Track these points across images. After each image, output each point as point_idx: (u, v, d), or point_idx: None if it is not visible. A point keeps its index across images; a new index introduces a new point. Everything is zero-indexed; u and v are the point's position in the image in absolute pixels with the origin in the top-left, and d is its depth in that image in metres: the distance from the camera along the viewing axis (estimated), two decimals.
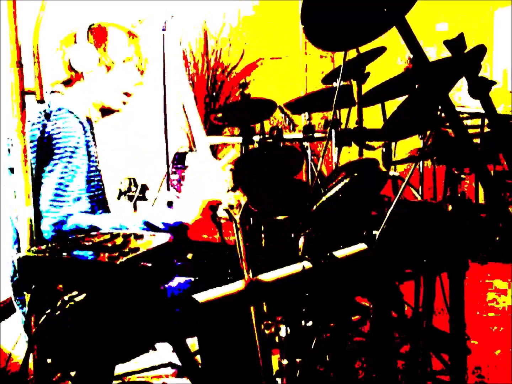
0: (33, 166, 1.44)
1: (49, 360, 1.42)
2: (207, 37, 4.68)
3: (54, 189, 1.46)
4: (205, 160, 1.59)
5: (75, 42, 1.64)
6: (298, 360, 1.38)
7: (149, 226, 1.51)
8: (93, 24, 1.67)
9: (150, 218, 1.53)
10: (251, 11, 4.93)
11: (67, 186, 1.49)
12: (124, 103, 1.74)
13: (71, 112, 1.58)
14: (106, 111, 1.74)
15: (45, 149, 1.47)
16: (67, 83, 1.67)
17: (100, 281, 1.07)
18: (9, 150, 1.47)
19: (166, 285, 1.56)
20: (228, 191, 1.29)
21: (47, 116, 1.49)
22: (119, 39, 1.69)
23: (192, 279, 1.62)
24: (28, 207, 1.26)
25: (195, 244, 1.78)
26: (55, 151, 1.48)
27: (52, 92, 1.66)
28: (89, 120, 1.69)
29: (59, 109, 1.54)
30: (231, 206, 1.25)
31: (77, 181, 1.51)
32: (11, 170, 1.53)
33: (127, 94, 1.73)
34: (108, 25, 1.69)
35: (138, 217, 1.55)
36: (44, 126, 1.48)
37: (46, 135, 1.48)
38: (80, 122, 1.60)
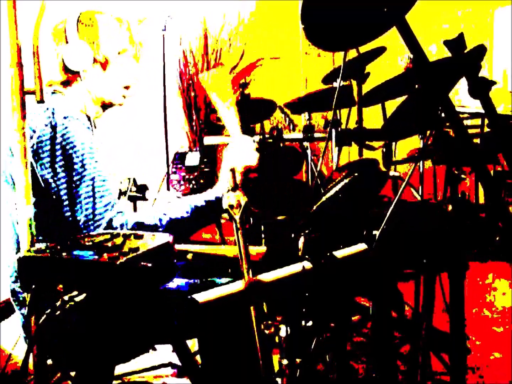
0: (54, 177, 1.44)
1: (49, 360, 1.42)
2: (207, 37, 4.68)
3: (86, 199, 1.45)
4: (238, 136, 1.62)
5: (66, 40, 1.60)
6: (298, 360, 1.38)
7: (197, 210, 1.54)
8: (79, 16, 1.61)
9: (194, 201, 1.56)
10: (251, 11, 4.93)
11: (99, 194, 1.47)
12: (124, 96, 1.71)
13: (78, 119, 1.52)
14: (107, 106, 1.72)
15: (56, 159, 1.45)
16: (66, 83, 1.64)
17: (100, 281, 1.07)
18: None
19: (166, 287, 1.56)
20: (228, 191, 1.28)
21: (54, 128, 1.46)
22: (110, 29, 1.64)
23: (192, 281, 1.62)
24: (28, 207, 1.26)
25: (195, 244, 1.77)
26: (73, 163, 1.45)
27: (53, 92, 1.63)
28: (89, 119, 1.67)
29: (65, 118, 1.49)
30: (231, 206, 1.25)
31: (104, 188, 1.49)
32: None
33: (127, 87, 1.70)
34: (95, 14, 1.63)
35: (184, 203, 1.56)
36: (54, 138, 1.45)
37: (57, 146, 1.45)
38: (88, 128, 1.55)
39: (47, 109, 1.49)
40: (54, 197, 1.46)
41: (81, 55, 1.59)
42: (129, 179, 2.52)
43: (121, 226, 1.47)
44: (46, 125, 1.46)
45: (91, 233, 1.41)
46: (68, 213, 1.45)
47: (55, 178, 1.45)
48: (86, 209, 1.45)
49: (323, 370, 1.49)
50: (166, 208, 1.54)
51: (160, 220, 1.50)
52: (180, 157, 3.88)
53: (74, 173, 1.45)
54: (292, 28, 4.48)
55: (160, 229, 1.49)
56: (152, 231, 1.47)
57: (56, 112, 1.48)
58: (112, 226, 1.45)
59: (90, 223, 1.44)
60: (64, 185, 1.45)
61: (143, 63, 1.75)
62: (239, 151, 1.59)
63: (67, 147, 1.45)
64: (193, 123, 4.59)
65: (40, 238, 1.38)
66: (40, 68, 1.27)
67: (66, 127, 1.46)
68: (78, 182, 1.45)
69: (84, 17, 1.62)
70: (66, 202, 1.45)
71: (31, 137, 1.45)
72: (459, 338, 1.63)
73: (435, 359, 2.05)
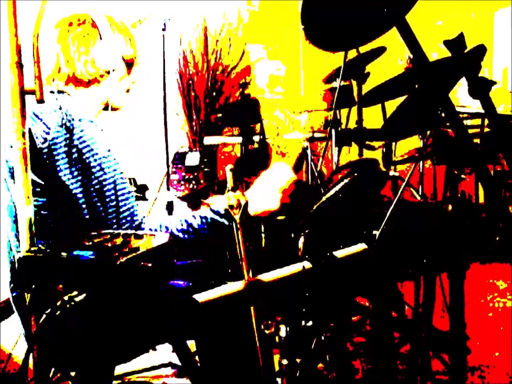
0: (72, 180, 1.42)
1: (49, 360, 1.42)
2: (207, 37, 4.68)
3: (109, 201, 1.44)
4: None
5: (100, 37, 1.55)
6: (298, 360, 1.38)
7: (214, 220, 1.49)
8: (107, 16, 1.58)
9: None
10: (251, 11, 4.93)
11: (127, 195, 1.47)
12: (124, 99, 1.71)
13: (92, 122, 1.48)
14: (107, 108, 1.72)
15: (73, 162, 1.42)
16: (86, 83, 1.59)
17: (100, 281, 1.07)
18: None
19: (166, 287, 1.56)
20: (228, 191, 1.28)
21: (69, 130, 1.42)
22: (120, 37, 1.62)
23: (191, 283, 1.61)
24: (28, 207, 1.26)
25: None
26: (91, 166, 1.42)
27: (59, 92, 1.59)
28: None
29: (80, 120, 1.45)
30: (231, 206, 1.25)
31: (126, 191, 1.48)
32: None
33: (127, 90, 1.70)
34: (105, 20, 1.59)
35: (205, 211, 1.52)
36: (70, 140, 1.42)
37: (74, 149, 1.42)
38: (101, 130, 1.52)
39: (60, 108, 1.46)
40: (68, 198, 1.43)
41: (113, 53, 1.57)
42: (129, 179, 2.51)
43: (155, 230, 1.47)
44: (60, 126, 1.43)
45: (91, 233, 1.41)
46: (87, 217, 1.43)
47: (72, 181, 1.42)
48: (110, 214, 1.43)
49: (323, 370, 1.49)
50: (185, 215, 1.52)
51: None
52: (180, 157, 3.88)
53: (92, 177, 1.42)
54: (292, 28, 4.49)
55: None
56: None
57: (69, 114, 1.45)
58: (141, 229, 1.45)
59: (114, 227, 1.43)
60: (80, 189, 1.42)
61: (145, 68, 1.75)
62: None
63: (84, 150, 1.42)
64: (193, 123, 4.59)
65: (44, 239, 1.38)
66: (40, 68, 1.27)
67: (82, 130, 1.43)
68: (97, 186, 1.42)
69: (110, 18, 1.60)
70: (84, 206, 1.42)
71: (47, 135, 1.42)
72: (459, 338, 1.63)
73: (435, 359, 2.05)
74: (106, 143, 1.47)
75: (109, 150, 1.46)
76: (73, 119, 1.44)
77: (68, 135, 1.42)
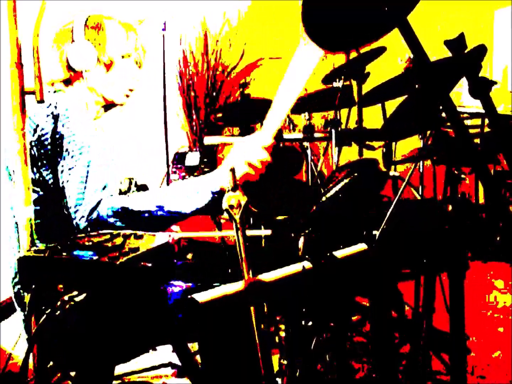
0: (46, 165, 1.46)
1: (49, 360, 1.42)
2: (207, 37, 4.68)
3: (79, 183, 1.45)
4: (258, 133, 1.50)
5: (72, 39, 1.62)
6: (298, 360, 1.38)
7: (195, 199, 1.47)
8: (88, 19, 1.64)
9: (196, 186, 1.48)
10: (251, 10, 4.93)
11: (92, 178, 1.47)
12: (127, 96, 1.72)
13: (80, 110, 1.56)
14: (108, 106, 1.73)
15: (57, 148, 1.46)
16: (67, 82, 1.66)
17: (100, 281, 1.07)
18: None
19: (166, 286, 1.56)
20: (228, 191, 1.28)
21: (56, 118, 1.48)
22: (117, 34, 1.67)
23: (191, 284, 1.61)
24: (27, 207, 1.26)
25: (195, 244, 1.77)
26: (71, 149, 1.47)
27: (55, 91, 1.65)
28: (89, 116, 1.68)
29: (67, 109, 1.51)
30: (231, 206, 1.25)
31: (98, 173, 1.48)
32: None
33: (129, 89, 1.72)
34: (103, 19, 1.66)
35: (178, 190, 1.49)
36: (55, 128, 1.47)
37: (57, 136, 1.47)
38: (88, 119, 1.59)
39: (50, 104, 1.51)
40: (54, 190, 1.47)
41: (85, 55, 1.62)
42: (129, 179, 2.51)
43: (108, 209, 1.43)
44: (48, 116, 1.48)
45: (81, 221, 1.41)
46: (65, 200, 1.45)
47: (57, 168, 1.46)
48: (78, 193, 1.44)
49: (323, 370, 1.49)
50: (160, 198, 1.49)
51: (155, 210, 1.46)
52: (180, 157, 3.88)
53: (71, 158, 1.46)
54: (292, 28, 4.49)
55: (152, 220, 1.46)
56: (142, 219, 1.45)
57: (58, 105, 1.51)
58: (100, 209, 1.43)
59: (79, 204, 1.43)
60: (62, 173, 1.46)
61: (145, 68, 1.76)
62: (250, 147, 1.49)
63: (67, 135, 1.47)
64: (193, 123, 4.60)
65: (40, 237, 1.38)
66: (40, 68, 1.27)
67: (67, 117, 1.49)
68: (72, 167, 1.46)
69: (92, 20, 1.65)
70: (64, 191, 1.45)
71: (35, 131, 1.47)
72: (459, 338, 1.63)
73: (435, 359, 2.05)
74: (91, 129, 1.52)
75: (92, 136, 1.50)
76: (60, 109, 1.49)
77: (54, 124, 1.47)
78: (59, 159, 1.47)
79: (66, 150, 1.47)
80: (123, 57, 1.68)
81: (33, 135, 1.48)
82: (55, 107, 1.50)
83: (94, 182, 1.46)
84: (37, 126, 1.48)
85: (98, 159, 1.50)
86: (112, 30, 1.66)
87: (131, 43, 1.69)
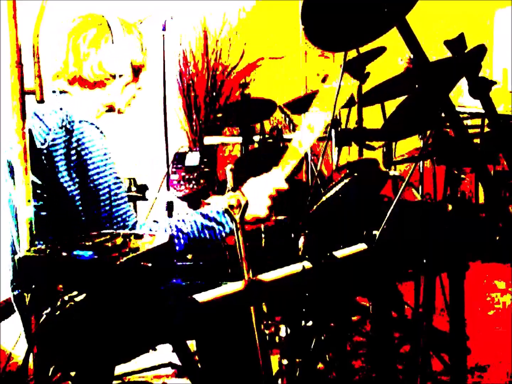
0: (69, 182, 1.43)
1: (49, 360, 1.42)
2: (207, 37, 4.68)
3: (115, 205, 1.45)
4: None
5: (112, 41, 1.54)
6: (298, 360, 1.38)
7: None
8: (120, 20, 1.57)
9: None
10: (251, 10, 4.93)
11: (121, 200, 1.47)
12: (129, 104, 1.70)
13: (92, 124, 1.47)
14: (109, 110, 1.71)
15: (75, 167, 1.42)
16: (92, 85, 1.58)
17: (100, 281, 1.07)
18: None
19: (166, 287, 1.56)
20: (228, 191, 1.28)
21: (69, 132, 1.42)
22: (131, 42, 1.60)
23: (191, 284, 1.61)
24: (28, 207, 1.26)
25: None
26: (89, 167, 1.43)
27: (61, 92, 1.58)
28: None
29: (80, 122, 1.45)
30: (231, 206, 1.25)
31: (123, 191, 1.48)
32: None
33: (134, 97, 1.70)
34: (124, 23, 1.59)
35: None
36: (69, 142, 1.42)
37: (72, 151, 1.42)
38: (101, 132, 1.50)
39: (61, 109, 1.47)
40: (66, 199, 1.44)
41: (124, 59, 1.57)
42: (129, 179, 2.52)
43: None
44: (60, 128, 1.43)
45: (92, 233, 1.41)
46: (83, 219, 1.44)
47: (70, 183, 1.43)
48: (104, 218, 1.44)
49: (323, 370, 1.49)
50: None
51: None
52: (180, 157, 3.87)
53: (88, 180, 1.43)
54: (292, 28, 4.49)
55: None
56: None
57: (70, 115, 1.45)
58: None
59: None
60: (78, 191, 1.43)
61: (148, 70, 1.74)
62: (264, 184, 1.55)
63: (82, 153, 1.42)
64: (193, 123, 4.59)
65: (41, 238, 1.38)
66: (40, 68, 1.27)
67: (81, 132, 1.43)
68: (93, 189, 1.43)
69: (124, 22, 1.58)
70: (80, 208, 1.44)
71: (47, 136, 1.43)
72: (459, 338, 1.63)
73: (435, 359, 2.05)
74: (104, 146, 1.47)
75: (105, 154, 1.46)
76: (73, 121, 1.44)
77: (67, 137, 1.42)
78: (74, 176, 1.43)
79: (82, 170, 1.42)
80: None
81: (43, 143, 1.43)
82: (67, 115, 1.44)
83: (119, 207, 1.46)
84: (50, 130, 1.44)
85: (117, 181, 1.48)
86: (136, 35, 1.62)
87: (139, 46, 1.63)
